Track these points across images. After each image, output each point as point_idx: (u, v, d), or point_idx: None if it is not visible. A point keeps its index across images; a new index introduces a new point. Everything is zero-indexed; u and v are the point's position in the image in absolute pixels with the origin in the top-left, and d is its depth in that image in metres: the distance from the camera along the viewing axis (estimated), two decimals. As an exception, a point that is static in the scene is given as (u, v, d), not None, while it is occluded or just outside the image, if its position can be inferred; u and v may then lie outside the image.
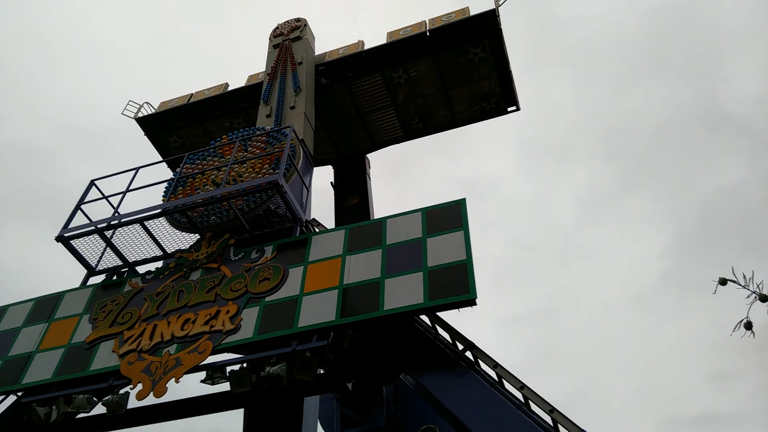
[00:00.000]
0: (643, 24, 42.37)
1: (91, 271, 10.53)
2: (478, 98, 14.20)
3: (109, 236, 10.17)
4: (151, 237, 10.22)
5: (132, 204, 10.22)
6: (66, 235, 10.04)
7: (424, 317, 8.47)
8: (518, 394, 7.25)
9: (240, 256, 9.35)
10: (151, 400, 7.90)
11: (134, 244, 10.37)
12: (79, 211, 10.39)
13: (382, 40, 14.16)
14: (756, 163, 37.25)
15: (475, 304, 7.47)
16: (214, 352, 8.09)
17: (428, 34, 13.19)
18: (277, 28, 14.93)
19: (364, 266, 8.44)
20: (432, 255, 8.18)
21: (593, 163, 43.04)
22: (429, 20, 13.79)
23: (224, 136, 11.89)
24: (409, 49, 13.83)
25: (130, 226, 10.08)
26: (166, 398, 7.94)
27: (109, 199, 10.69)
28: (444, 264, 7.96)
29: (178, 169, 11.08)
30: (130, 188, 10.53)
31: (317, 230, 10.38)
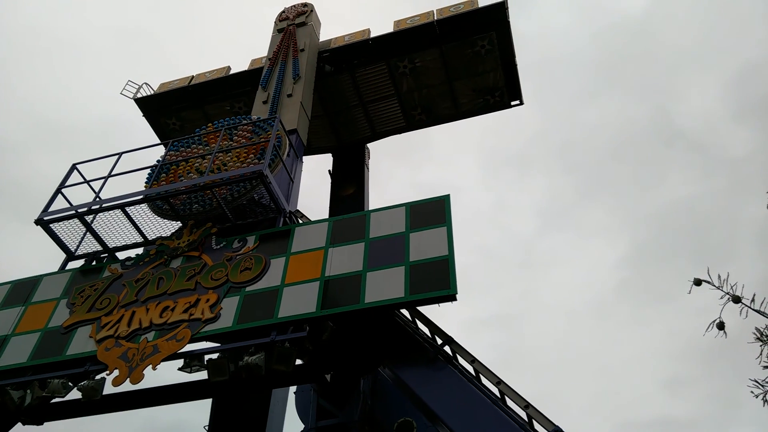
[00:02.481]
0: (598, 42, 44.11)
1: (70, 256, 10.40)
2: (483, 91, 14.15)
3: (89, 221, 10.05)
4: (132, 223, 10.12)
5: (114, 189, 10.12)
6: (46, 218, 9.91)
7: (404, 311, 8.50)
8: (495, 389, 7.33)
9: (222, 245, 9.31)
10: (127, 386, 7.86)
11: (115, 229, 10.26)
12: (59, 196, 10.26)
13: (389, 29, 14.08)
14: (706, 177, 38.57)
15: (455, 299, 7.52)
16: (192, 341, 8.04)
17: (436, 24, 13.10)
18: (283, 12, 14.74)
19: (347, 259, 8.45)
20: (414, 250, 8.22)
21: (552, 174, 44.21)
22: (437, 10, 13.75)
23: (209, 124, 11.80)
24: (415, 39, 13.75)
25: (111, 212, 9.98)
26: (143, 385, 7.91)
27: (90, 183, 10.56)
28: (426, 259, 8.01)
29: (161, 156, 10.98)
30: (113, 173, 10.41)
31: (301, 222, 10.36)
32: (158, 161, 10.83)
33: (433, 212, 8.74)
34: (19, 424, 8.96)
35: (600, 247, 41.52)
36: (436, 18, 13.32)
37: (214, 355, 7.84)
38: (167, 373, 8.21)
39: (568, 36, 45.44)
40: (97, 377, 8.06)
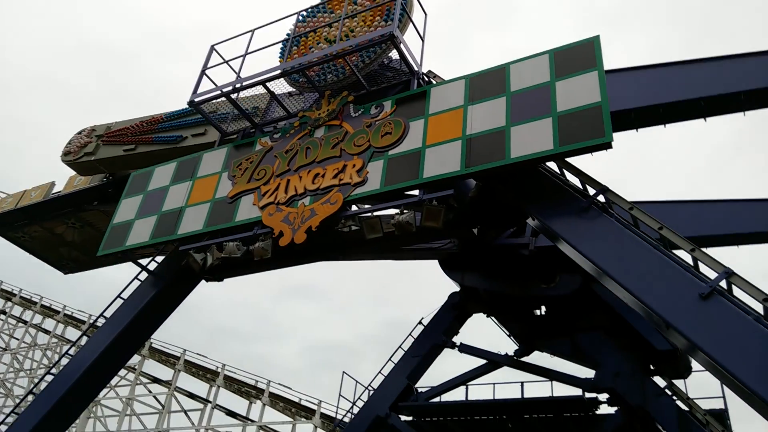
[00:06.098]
0: None
1: (224, 134, 11.16)
2: None
3: (235, 98, 10.57)
4: (273, 98, 10.51)
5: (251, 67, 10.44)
6: (196, 99, 10.58)
7: (551, 164, 8.25)
8: (656, 235, 7.07)
9: (360, 112, 9.44)
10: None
11: (258, 105, 10.75)
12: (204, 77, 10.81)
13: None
14: None
15: (611, 147, 7.15)
16: (344, 203, 8.51)
17: None
18: (69, 152, 13.03)
19: (488, 115, 8.24)
20: (562, 99, 7.79)
21: (654, 28, 38.53)
22: None
23: (332, -9, 11.51)
24: None
25: (253, 89, 10.40)
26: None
27: (229, 63, 10.98)
28: (575, 108, 7.58)
29: (290, 28, 11.03)
30: (249, 51, 10.68)
31: (435, 82, 10.13)
32: (288, 35, 10.90)
33: (580, 57, 8.11)
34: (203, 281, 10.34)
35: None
36: None
37: (367, 215, 8.30)
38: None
39: None
40: (265, 239, 8.92)
